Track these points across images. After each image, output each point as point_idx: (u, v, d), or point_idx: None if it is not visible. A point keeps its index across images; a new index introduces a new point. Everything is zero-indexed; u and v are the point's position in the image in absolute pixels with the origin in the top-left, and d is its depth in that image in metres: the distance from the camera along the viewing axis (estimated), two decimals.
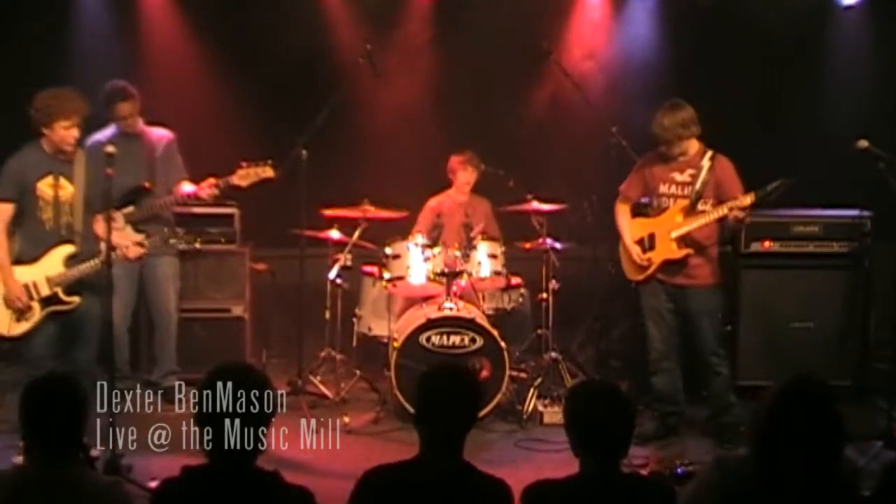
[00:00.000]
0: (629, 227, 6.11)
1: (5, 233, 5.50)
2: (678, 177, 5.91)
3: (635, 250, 6.00)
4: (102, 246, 5.35)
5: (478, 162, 7.17)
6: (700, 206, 5.85)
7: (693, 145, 5.88)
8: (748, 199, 5.62)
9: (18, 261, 5.51)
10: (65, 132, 5.43)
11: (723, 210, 5.70)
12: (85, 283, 5.55)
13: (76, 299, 5.55)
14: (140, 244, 5.69)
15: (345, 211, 6.83)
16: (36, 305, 5.51)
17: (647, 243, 6.00)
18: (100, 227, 5.49)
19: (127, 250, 5.60)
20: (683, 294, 5.93)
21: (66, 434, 3.19)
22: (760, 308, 6.66)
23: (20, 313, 5.48)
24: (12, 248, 5.54)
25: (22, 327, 5.51)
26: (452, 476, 3.19)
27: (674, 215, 5.90)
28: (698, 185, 5.83)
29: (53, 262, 5.52)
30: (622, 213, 6.16)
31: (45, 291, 5.51)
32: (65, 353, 5.65)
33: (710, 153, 5.86)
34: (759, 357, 6.57)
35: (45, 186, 5.50)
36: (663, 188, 5.93)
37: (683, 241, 5.86)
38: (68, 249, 5.55)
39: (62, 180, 5.53)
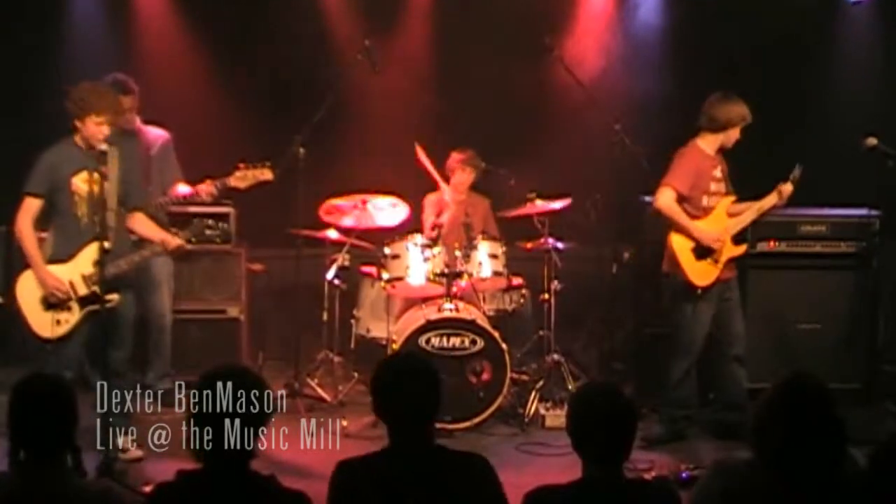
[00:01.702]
0: (696, 225, 5.78)
1: (31, 226, 5.38)
2: (717, 174, 5.89)
3: (726, 236, 5.78)
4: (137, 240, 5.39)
5: (478, 161, 7.08)
6: None
7: None
8: (790, 188, 5.75)
9: (53, 260, 5.36)
10: (95, 128, 5.32)
11: (772, 200, 5.79)
12: (120, 279, 5.41)
13: (115, 297, 5.38)
14: (176, 234, 5.61)
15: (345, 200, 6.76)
16: (75, 305, 5.35)
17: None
18: (135, 223, 5.49)
19: (168, 242, 5.50)
20: (729, 286, 5.94)
21: (54, 438, 3.07)
22: (767, 309, 6.58)
23: (60, 312, 5.32)
24: (45, 247, 5.41)
25: (63, 328, 5.34)
26: (425, 457, 3.18)
27: (723, 213, 5.86)
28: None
29: (88, 260, 5.35)
30: (677, 208, 5.77)
31: (83, 290, 5.34)
32: (99, 353, 5.43)
33: None
34: (766, 359, 6.46)
35: (79, 182, 5.36)
36: (713, 186, 5.86)
37: (736, 237, 5.88)
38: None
39: (96, 176, 5.42)
